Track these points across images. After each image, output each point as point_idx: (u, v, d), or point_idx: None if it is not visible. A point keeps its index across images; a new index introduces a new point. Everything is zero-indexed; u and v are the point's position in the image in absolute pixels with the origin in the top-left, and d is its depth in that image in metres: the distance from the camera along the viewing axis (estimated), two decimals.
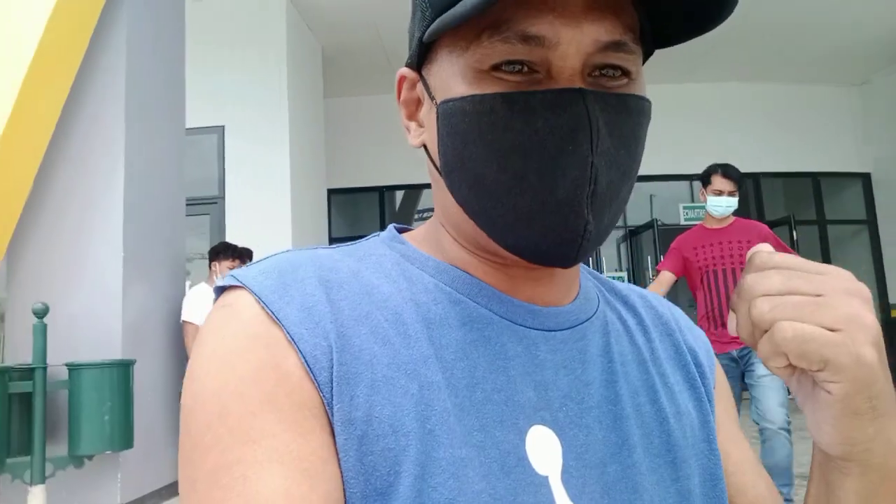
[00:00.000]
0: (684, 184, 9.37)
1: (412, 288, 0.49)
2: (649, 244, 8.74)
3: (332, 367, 0.42)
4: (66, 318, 3.66)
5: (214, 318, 0.45)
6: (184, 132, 4.82)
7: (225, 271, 4.56)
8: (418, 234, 0.56)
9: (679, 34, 0.48)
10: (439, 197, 0.52)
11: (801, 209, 9.12)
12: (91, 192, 3.96)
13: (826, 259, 9.34)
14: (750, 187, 9.55)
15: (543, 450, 0.45)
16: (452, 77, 0.46)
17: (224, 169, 6.49)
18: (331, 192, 8.21)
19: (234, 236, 5.66)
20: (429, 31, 0.46)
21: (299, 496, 0.38)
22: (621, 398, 0.51)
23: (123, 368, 3.51)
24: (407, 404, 0.42)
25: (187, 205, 4.83)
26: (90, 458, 3.45)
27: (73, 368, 3.43)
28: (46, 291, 3.67)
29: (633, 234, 9.38)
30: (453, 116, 0.46)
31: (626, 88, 0.46)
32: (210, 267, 4.69)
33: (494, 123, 0.44)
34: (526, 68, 0.44)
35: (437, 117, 0.48)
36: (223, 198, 6.46)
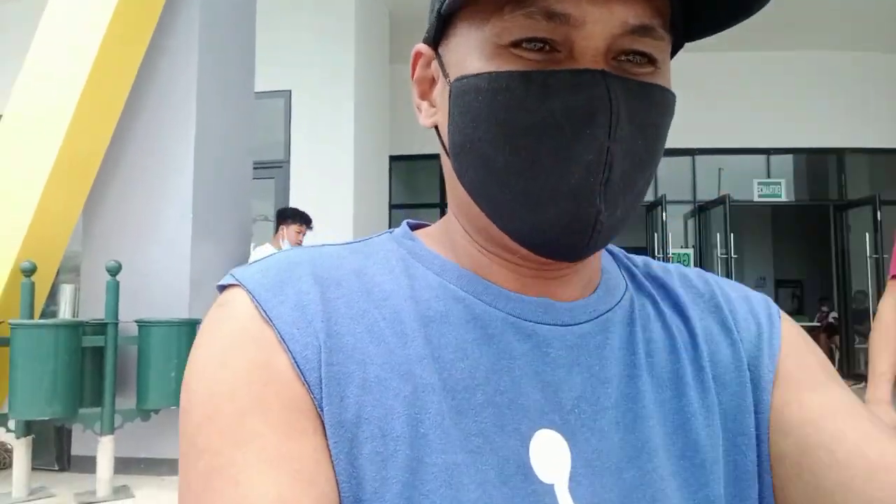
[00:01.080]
0: (760, 158, 8.96)
1: (413, 285, 0.46)
2: (719, 221, 8.42)
3: (321, 367, 0.41)
4: (138, 276, 3.81)
5: (211, 316, 0.45)
6: (253, 97, 4.89)
7: (292, 235, 4.65)
8: (432, 230, 0.53)
9: (712, 24, 0.45)
10: (450, 184, 0.49)
11: (887, 188, 8.58)
12: (163, 155, 4.09)
13: None
14: (832, 164, 9.05)
15: (549, 456, 0.42)
16: (469, 53, 0.43)
17: (290, 133, 6.58)
18: (392, 158, 8.23)
19: (297, 200, 5.76)
20: (448, 1, 0.42)
21: (292, 499, 0.37)
22: (643, 395, 0.47)
23: (190, 327, 3.64)
24: (398, 406, 0.41)
25: (254, 168, 4.92)
26: (157, 412, 3.62)
27: (142, 325, 3.59)
28: (119, 249, 3.83)
29: (701, 210, 9.06)
30: (467, 94, 0.43)
31: (650, 77, 0.43)
32: (276, 229, 4.79)
33: (509, 102, 0.41)
34: (547, 47, 0.41)
35: (450, 95, 0.45)
36: (288, 162, 6.56)
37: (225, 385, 0.40)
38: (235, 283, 0.45)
